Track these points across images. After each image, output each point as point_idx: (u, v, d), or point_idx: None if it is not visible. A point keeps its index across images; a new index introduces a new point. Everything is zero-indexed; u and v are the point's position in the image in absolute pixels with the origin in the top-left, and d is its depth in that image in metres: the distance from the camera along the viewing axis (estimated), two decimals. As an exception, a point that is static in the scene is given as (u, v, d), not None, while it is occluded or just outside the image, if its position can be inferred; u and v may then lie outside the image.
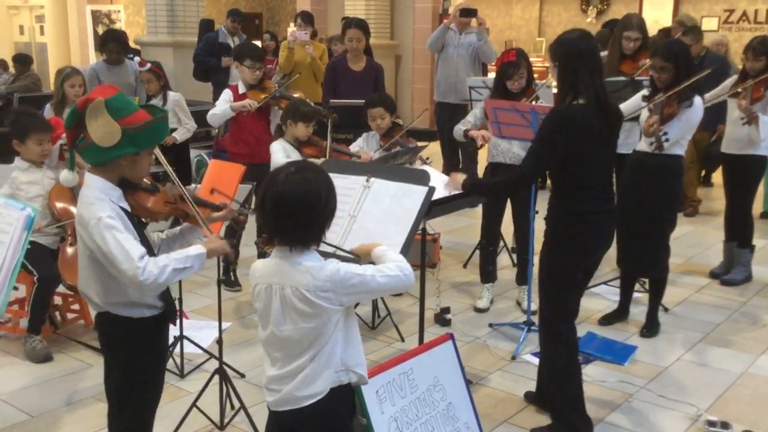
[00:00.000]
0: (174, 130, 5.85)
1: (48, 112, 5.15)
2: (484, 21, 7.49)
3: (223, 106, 5.07)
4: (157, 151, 2.71)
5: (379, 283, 2.20)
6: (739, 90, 5.04)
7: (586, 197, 3.25)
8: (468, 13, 7.21)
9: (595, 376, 4.02)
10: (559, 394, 3.44)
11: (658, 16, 12.02)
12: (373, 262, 2.32)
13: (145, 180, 2.61)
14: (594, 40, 3.31)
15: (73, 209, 4.19)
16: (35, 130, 4.22)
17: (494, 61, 7.59)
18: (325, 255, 2.26)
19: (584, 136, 3.14)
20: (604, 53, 5.57)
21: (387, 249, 2.36)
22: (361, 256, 2.38)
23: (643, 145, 4.39)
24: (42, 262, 4.15)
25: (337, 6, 12.95)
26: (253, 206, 3.66)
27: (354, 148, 4.79)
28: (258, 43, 8.91)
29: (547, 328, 3.43)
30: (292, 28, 8.44)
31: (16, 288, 4.07)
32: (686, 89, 4.14)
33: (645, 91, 4.43)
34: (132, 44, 9.70)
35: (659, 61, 4.19)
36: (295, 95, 5.22)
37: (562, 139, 3.15)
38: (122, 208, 2.45)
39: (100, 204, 2.39)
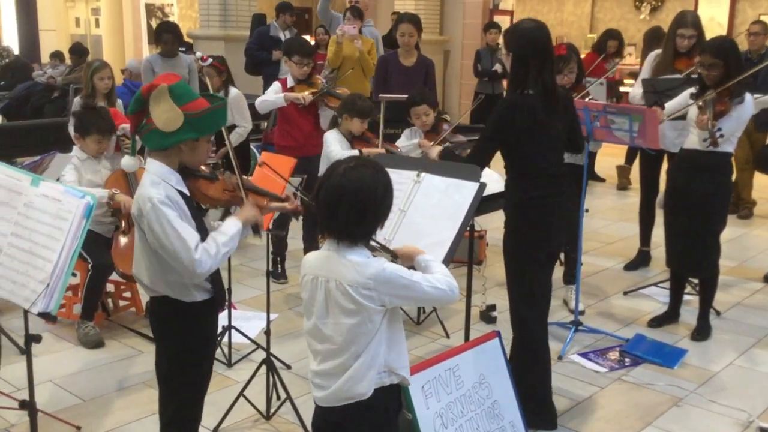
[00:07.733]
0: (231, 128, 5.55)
1: (76, 105, 5.22)
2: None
3: (274, 96, 5.10)
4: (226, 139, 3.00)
5: (424, 291, 2.18)
6: None
7: (538, 183, 3.32)
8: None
9: (644, 379, 3.96)
10: (521, 380, 3.40)
11: (714, 13, 11.74)
12: (413, 267, 2.30)
13: (203, 168, 2.66)
14: (547, 31, 3.30)
15: (128, 199, 4.28)
16: (96, 130, 4.34)
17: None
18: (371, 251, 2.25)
19: (528, 124, 3.23)
20: (658, 51, 5.47)
21: (432, 259, 2.34)
22: (400, 257, 2.35)
23: (693, 143, 4.31)
24: (96, 250, 4.25)
25: (387, 1, 12.94)
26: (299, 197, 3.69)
27: (398, 143, 4.78)
28: (307, 37, 8.97)
29: (513, 313, 3.47)
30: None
31: (74, 274, 4.18)
32: (737, 86, 4.08)
33: (693, 89, 4.34)
34: (185, 37, 9.83)
35: (708, 58, 4.13)
36: (339, 91, 5.23)
37: (505, 127, 3.24)
38: (181, 193, 2.49)
39: (155, 188, 2.42)
